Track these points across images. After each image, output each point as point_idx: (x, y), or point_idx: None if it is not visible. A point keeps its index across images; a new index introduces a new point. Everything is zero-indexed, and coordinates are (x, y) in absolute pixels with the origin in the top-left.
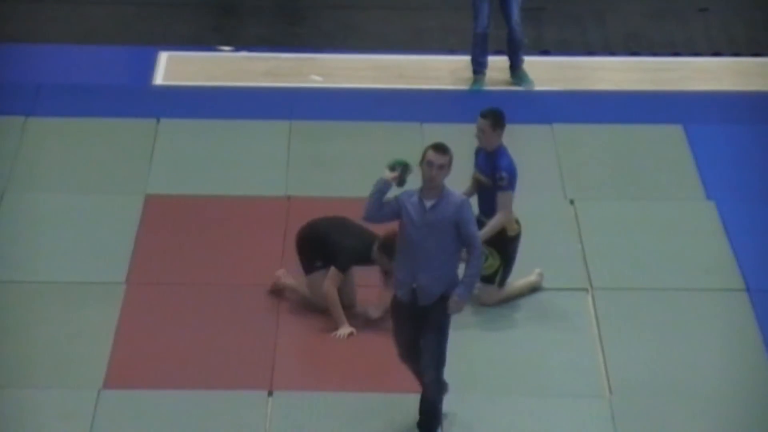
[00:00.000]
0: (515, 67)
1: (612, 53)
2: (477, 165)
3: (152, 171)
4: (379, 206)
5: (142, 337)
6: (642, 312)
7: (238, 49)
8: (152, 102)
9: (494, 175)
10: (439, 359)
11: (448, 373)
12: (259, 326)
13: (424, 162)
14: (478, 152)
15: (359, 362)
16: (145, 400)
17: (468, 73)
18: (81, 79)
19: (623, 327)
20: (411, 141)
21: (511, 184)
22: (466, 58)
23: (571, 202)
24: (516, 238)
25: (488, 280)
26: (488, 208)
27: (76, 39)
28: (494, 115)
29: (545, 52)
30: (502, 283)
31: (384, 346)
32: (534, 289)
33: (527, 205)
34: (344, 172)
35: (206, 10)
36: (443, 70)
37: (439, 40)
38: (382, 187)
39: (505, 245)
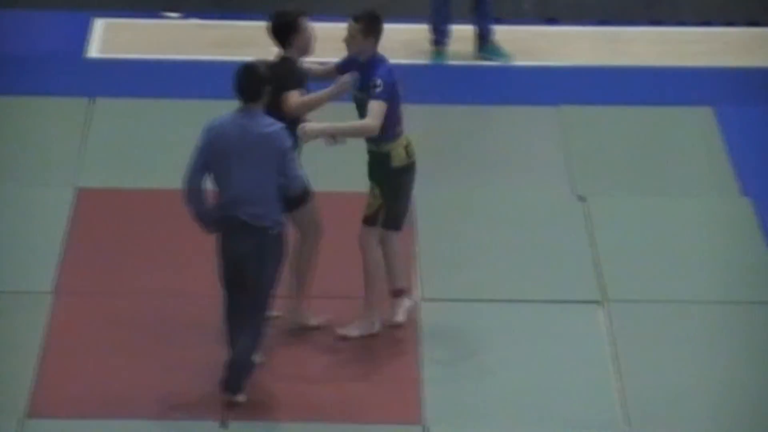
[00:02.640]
0: (484, 38)
1: (630, 22)
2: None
3: (84, 160)
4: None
5: (72, 356)
6: (664, 328)
7: (185, 15)
8: (85, 78)
9: (368, 84)
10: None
11: (441, 402)
12: (209, 343)
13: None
14: (347, 65)
15: (326, 388)
16: (75, 431)
17: (460, 45)
18: (1, 49)
19: (642, 346)
20: None
21: (386, 92)
22: (456, 27)
23: (581, 198)
24: (403, 171)
25: (368, 221)
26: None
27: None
28: (367, 19)
29: (552, 21)
30: (387, 225)
31: (357, 373)
32: (410, 311)
33: (529, 202)
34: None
35: None
36: (397, 41)
37: (424, 6)
38: None
39: (388, 178)
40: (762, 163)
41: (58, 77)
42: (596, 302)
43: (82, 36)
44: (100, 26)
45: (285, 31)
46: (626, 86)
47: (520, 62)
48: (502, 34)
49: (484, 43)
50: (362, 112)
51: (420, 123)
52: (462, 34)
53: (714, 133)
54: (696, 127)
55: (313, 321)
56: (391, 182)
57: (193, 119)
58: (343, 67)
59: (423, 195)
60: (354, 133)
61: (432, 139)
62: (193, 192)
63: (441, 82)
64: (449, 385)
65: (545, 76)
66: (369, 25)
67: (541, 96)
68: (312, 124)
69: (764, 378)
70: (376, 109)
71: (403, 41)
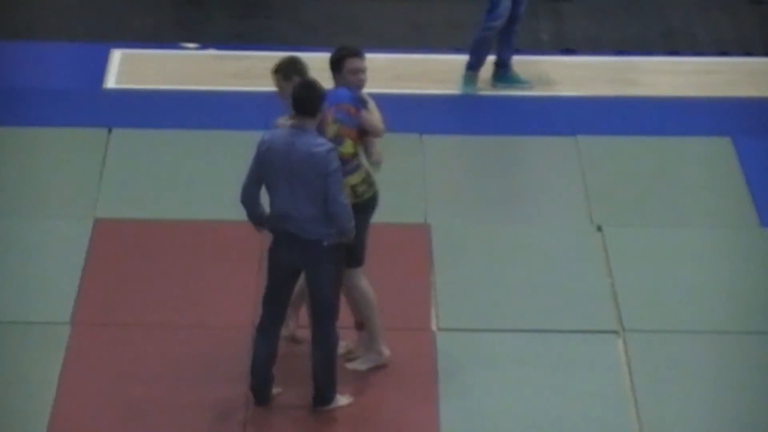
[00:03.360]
0: (505, 67)
1: (648, 52)
2: None
3: (102, 190)
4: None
5: (89, 387)
6: (682, 359)
7: (204, 46)
8: (103, 109)
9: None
10: None
11: (450, 428)
12: (227, 376)
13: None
14: None
15: (343, 420)
16: None
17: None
18: (17, 81)
19: (660, 377)
20: (409, 154)
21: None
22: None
23: (599, 228)
24: (359, 208)
25: None
26: None
27: (11, 34)
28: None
29: (568, 51)
30: (348, 264)
31: (374, 404)
32: (376, 365)
33: (547, 232)
34: None
35: (167, 1)
36: (447, 72)
37: (441, 36)
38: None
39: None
40: None
41: (76, 108)
42: (614, 332)
43: (100, 67)
44: (117, 57)
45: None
46: (643, 117)
47: (537, 92)
48: (520, 65)
49: (505, 71)
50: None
51: (436, 153)
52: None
53: (732, 164)
54: (714, 158)
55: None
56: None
57: (211, 150)
58: None
59: (439, 225)
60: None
61: (448, 169)
62: (247, 202)
63: (457, 113)
64: (466, 415)
65: (562, 107)
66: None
67: (558, 126)
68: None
69: None
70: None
71: (455, 71)
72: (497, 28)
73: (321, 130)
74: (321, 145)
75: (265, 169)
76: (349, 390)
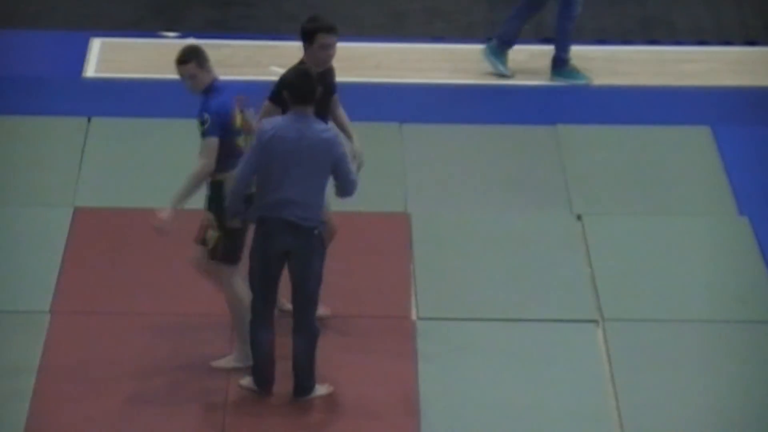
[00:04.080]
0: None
1: (627, 41)
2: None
3: (82, 179)
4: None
5: (69, 375)
6: (661, 348)
7: (184, 35)
8: (82, 97)
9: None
10: None
11: (437, 421)
12: (206, 363)
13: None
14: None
15: (322, 407)
16: None
17: (459, 64)
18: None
19: (640, 366)
20: (389, 144)
21: (214, 129)
22: (453, 47)
23: (579, 217)
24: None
25: (212, 255)
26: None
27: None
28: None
29: (547, 40)
30: (226, 260)
31: (353, 392)
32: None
33: (527, 221)
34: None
35: None
36: (428, 61)
37: (421, 25)
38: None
39: (223, 210)
40: (760, 182)
41: (56, 97)
42: (593, 321)
43: (79, 56)
44: (97, 46)
45: (303, 38)
46: (623, 106)
47: (516, 81)
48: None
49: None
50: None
51: (417, 142)
52: (462, 55)
53: (711, 153)
54: (693, 147)
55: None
56: (224, 213)
57: (191, 139)
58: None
59: (419, 214)
60: (195, 183)
61: (428, 158)
62: (241, 191)
63: (439, 102)
64: (446, 404)
65: (542, 96)
66: (202, 57)
67: (538, 115)
68: (164, 212)
69: (762, 397)
70: (207, 146)
71: (434, 60)
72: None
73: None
74: (328, 130)
75: (268, 157)
76: (328, 380)
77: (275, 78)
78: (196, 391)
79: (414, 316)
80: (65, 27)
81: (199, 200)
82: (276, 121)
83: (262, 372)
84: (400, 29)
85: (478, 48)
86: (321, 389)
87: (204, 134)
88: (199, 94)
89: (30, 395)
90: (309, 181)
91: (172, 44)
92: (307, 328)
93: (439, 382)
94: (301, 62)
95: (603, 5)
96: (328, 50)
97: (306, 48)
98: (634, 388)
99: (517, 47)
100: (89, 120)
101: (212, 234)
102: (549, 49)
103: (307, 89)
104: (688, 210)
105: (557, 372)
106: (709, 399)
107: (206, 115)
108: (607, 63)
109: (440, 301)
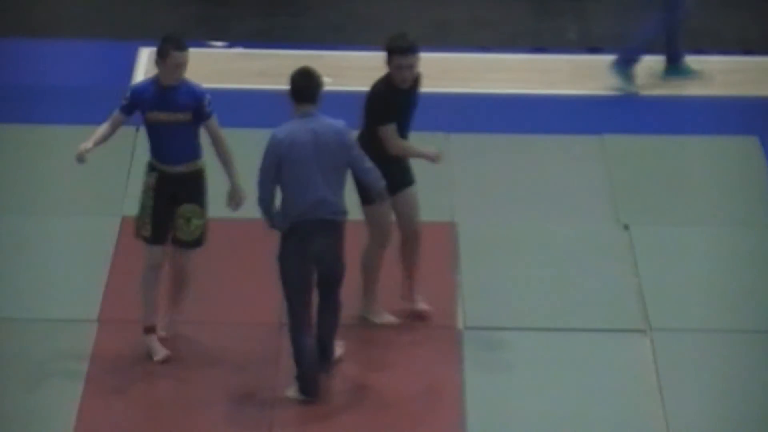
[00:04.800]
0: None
1: None
2: (159, 105)
3: (130, 188)
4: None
5: (116, 383)
6: (709, 358)
7: (230, 44)
8: None
9: (201, 103)
10: None
11: (477, 426)
12: (252, 371)
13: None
14: (146, 91)
15: (369, 414)
16: None
17: (503, 74)
18: (46, 79)
19: (687, 376)
20: None
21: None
22: (498, 57)
23: (626, 227)
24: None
25: (198, 243)
26: (191, 149)
27: (40, 32)
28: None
29: (594, 50)
30: (201, 242)
31: (399, 401)
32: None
33: (573, 231)
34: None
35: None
36: (473, 71)
37: (465, 34)
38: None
39: (206, 195)
40: None
41: (105, 106)
42: (641, 331)
43: (128, 65)
44: (145, 55)
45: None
46: (671, 115)
47: (563, 91)
48: (545, 63)
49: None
50: (179, 129)
51: (463, 152)
52: (507, 64)
53: (759, 162)
54: (740, 157)
55: (377, 319)
56: (206, 198)
57: (239, 148)
58: (140, 98)
59: (466, 224)
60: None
61: (475, 168)
62: (268, 200)
63: (484, 111)
64: (493, 414)
65: (589, 105)
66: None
67: (585, 125)
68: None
69: None
70: (217, 122)
71: (480, 70)
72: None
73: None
74: (337, 122)
75: (291, 165)
76: (375, 388)
77: (326, 87)
78: (243, 399)
79: (460, 325)
80: (113, 37)
81: (253, 210)
82: (288, 128)
83: (309, 378)
84: (444, 39)
85: (522, 57)
86: (338, 349)
87: (212, 113)
88: (175, 84)
89: (77, 404)
90: (333, 176)
91: (219, 54)
92: (336, 305)
93: (485, 392)
94: (388, 75)
95: (649, 15)
96: (403, 72)
97: (387, 64)
98: (682, 399)
99: (564, 57)
100: (137, 129)
101: (197, 223)
102: (596, 59)
103: (310, 88)
104: (735, 220)
105: (604, 382)
106: (757, 409)
107: (208, 96)
108: (654, 73)
109: (487, 310)
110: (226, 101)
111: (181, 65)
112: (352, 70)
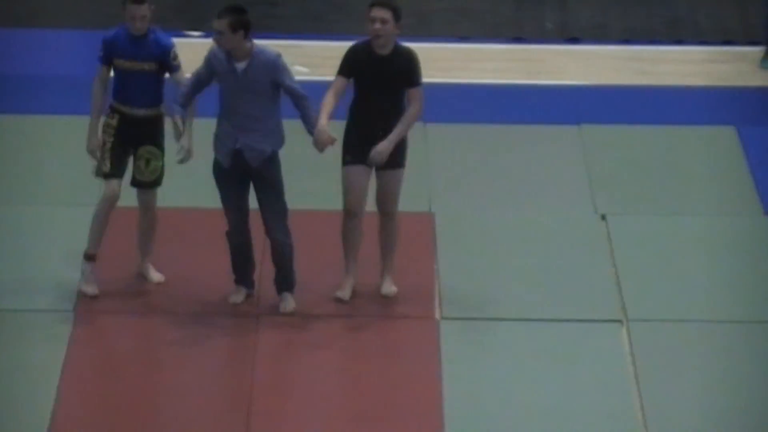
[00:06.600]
0: None
1: (653, 41)
2: (126, 54)
3: None
4: (191, 92)
5: (93, 375)
6: (686, 348)
7: (207, 34)
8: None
9: (166, 55)
10: (284, 216)
11: (462, 421)
12: (229, 362)
13: None
14: (116, 39)
15: (344, 403)
16: None
17: (484, 64)
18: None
19: (664, 366)
20: (413, 143)
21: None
22: (480, 47)
23: (603, 217)
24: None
25: (156, 183)
26: (154, 95)
27: (27, 22)
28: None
29: (573, 40)
30: (159, 182)
31: (376, 390)
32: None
33: (551, 221)
34: (329, 180)
35: None
36: (451, 60)
37: (446, 25)
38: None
39: (163, 138)
40: None
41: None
42: (617, 321)
43: None
44: None
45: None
46: (648, 105)
47: (541, 81)
48: (524, 53)
49: None
50: (142, 78)
51: (440, 142)
52: (489, 54)
53: (736, 153)
54: (718, 147)
55: (338, 293)
56: (164, 141)
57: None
58: (111, 48)
59: (443, 213)
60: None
61: (453, 158)
62: None
63: (463, 101)
64: (470, 404)
65: (567, 96)
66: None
67: (563, 115)
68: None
69: None
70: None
71: (461, 60)
72: None
73: None
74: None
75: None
76: (352, 380)
77: (300, 77)
78: (219, 389)
79: (438, 316)
80: (90, 26)
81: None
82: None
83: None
84: (424, 29)
85: (504, 48)
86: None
87: (178, 67)
88: (141, 33)
89: (54, 394)
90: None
91: (196, 43)
92: (282, 229)
93: (463, 382)
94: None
95: (629, 5)
96: (374, 24)
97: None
98: (658, 388)
99: (542, 47)
100: None
101: (155, 164)
102: (575, 49)
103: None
104: (712, 210)
105: (581, 372)
106: (734, 399)
107: (175, 49)
108: (633, 63)
109: (464, 300)
110: (204, 92)
111: (137, 17)
112: (330, 60)
